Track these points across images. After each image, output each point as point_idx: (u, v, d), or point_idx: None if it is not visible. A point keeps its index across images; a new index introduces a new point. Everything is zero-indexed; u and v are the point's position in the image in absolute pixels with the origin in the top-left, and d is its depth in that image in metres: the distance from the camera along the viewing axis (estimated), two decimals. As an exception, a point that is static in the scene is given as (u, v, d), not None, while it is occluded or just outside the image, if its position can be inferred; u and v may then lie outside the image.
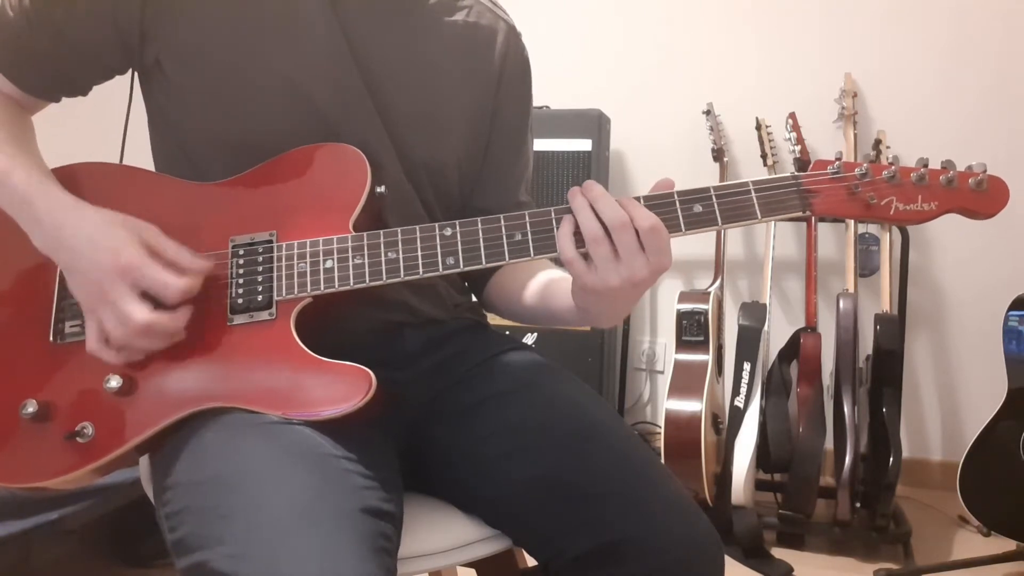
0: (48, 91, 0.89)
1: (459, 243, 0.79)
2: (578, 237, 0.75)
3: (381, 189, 0.84)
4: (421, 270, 0.79)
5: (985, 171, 0.77)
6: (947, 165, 0.77)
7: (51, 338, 0.82)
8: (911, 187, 0.77)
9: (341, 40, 0.87)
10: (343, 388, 0.75)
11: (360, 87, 0.88)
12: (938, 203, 0.77)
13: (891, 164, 0.77)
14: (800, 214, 0.78)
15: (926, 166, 0.77)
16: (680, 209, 0.77)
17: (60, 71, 0.87)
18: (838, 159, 0.78)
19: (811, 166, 0.78)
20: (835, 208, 0.77)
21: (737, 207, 0.77)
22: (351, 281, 0.79)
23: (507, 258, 0.79)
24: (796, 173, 0.78)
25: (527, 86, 1.04)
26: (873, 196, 0.77)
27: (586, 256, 0.75)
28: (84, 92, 0.91)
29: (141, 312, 0.74)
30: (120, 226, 0.78)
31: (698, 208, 0.77)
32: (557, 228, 0.77)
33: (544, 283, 0.94)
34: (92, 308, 0.77)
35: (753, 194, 0.77)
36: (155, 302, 0.76)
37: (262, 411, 0.75)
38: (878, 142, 2.19)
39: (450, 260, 0.79)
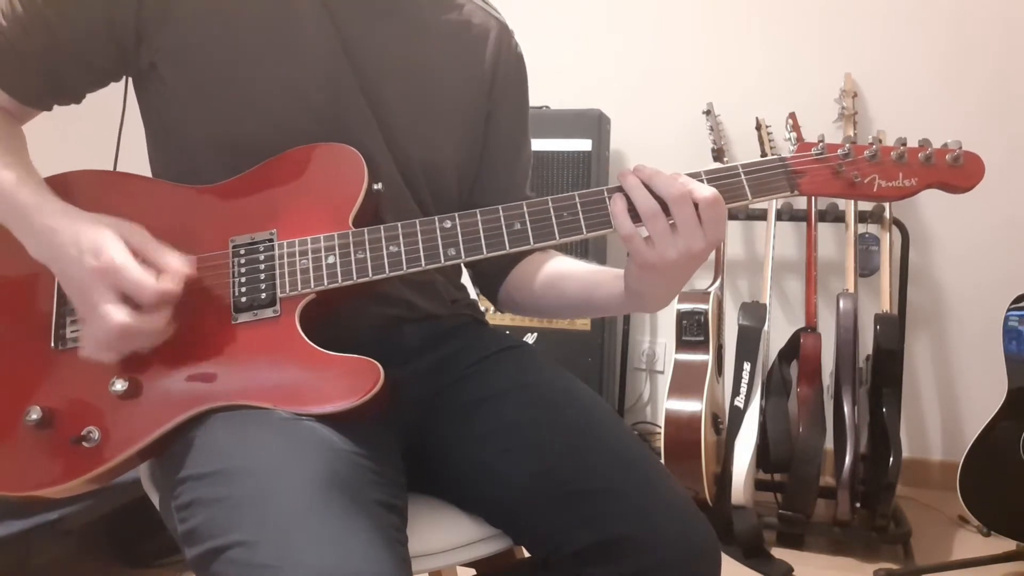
0: (41, 99, 0.88)
1: (459, 234, 0.80)
2: (632, 215, 0.77)
3: (378, 186, 0.84)
4: (423, 262, 0.80)
5: (961, 147, 0.80)
6: (924, 143, 0.80)
7: (52, 344, 0.81)
8: (892, 165, 0.80)
9: (334, 40, 0.87)
10: (351, 381, 0.75)
11: (353, 86, 0.88)
12: (918, 179, 0.80)
13: (872, 144, 0.80)
14: (788, 194, 0.81)
15: (904, 144, 0.80)
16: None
17: (54, 76, 0.86)
18: (821, 141, 0.81)
19: (796, 148, 0.82)
20: (821, 187, 0.81)
21: (728, 189, 0.79)
22: (354, 275, 0.80)
23: (507, 247, 0.80)
24: (783, 156, 0.81)
25: (522, 83, 1.04)
26: (857, 175, 0.80)
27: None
28: (77, 100, 0.90)
29: (118, 314, 0.73)
30: (105, 227, 0.77)
31: None
32: (609, 205, 0.78)
33: (580, 273, 0.95)
34: (83, 314, 0.77)
35: (743, 176, 0.80)
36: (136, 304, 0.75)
37: (270, 407, 0.75)
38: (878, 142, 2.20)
39: (451, 251, 0.80)
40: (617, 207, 0.77)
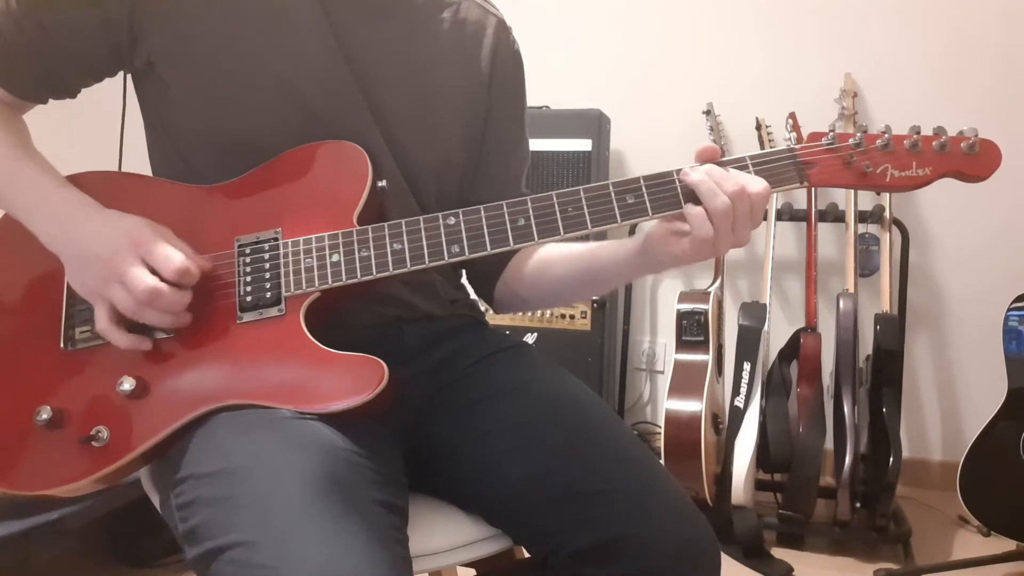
0: (36, 93, 0.89)
1: (463, 231, 0.80)
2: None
3: (382, 183, 0.84)
4: (427, 259, 0.79)
5: (976, 135, 0.78)
6: (939, 131, 0.78)
7: (62, 345, 0.82)
8: (905, 154, 0.78)
9: (330, 38, 0.87)
10: (356, 379, 0.76)
11: (351, 85, 0.88)
12: (932, 168, 0.78)
13: (884, 133, 0.78)
14: (798, 185, 0.79)
15: (918, 133, 0.78)
16: (679, 186, 0.78)
17: (48, 72, 0.86)
18: (832, 131, 0.79)
19: (806, 138, 0.80)
20: (832, 178, 0.78)
21: None
22: (359, 273, 0.80)
23: (512, 243, 0.79)
24: (792, 146, 0.79)
25: (520, 80, 1.04)
26: (868, 165, 0.78)
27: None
28: (72, 95, 0.91)
29: (148, 277, 0.76)
30: (135, 217, 0.81)
31: None
32: (685, 209, 0.77)
33: (576, 247, 0.94)
34: (99, 290, 0.78)
35: (751, 169, 0.79)
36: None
37: (275, 406, 0.75)
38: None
39: (455, 248, 0.80)
40: (697, 209, 0.77)
